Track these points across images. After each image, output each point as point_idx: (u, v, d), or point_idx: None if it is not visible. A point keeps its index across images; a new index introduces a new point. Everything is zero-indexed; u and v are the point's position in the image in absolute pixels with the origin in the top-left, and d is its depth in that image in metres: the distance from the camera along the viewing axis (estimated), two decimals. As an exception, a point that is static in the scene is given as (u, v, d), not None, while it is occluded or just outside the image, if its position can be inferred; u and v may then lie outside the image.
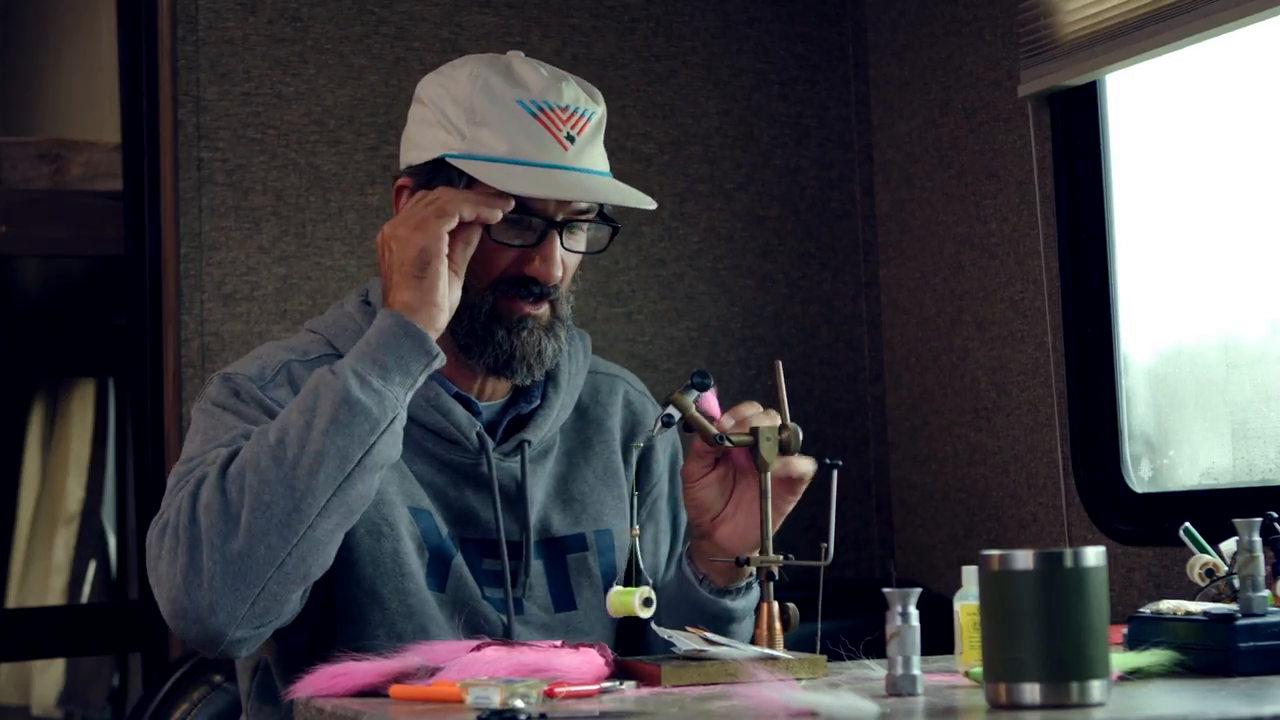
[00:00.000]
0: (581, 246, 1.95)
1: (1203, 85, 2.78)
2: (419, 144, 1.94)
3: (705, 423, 1.82)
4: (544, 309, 1.92)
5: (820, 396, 3.34)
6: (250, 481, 1.72)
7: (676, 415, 1.82)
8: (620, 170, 2.00)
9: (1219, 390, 2.75)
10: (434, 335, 1.81)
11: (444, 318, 1.82)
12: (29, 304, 5.35)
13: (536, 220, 1.89)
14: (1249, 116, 2.71)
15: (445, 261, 1.82)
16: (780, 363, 1.88)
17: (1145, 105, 2.87)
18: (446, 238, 1.82)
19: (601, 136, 1.95)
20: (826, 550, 1.87)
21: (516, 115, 1.87)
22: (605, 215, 1.95)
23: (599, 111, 1.94)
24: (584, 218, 1.92)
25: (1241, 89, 2.72)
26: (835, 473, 1.83)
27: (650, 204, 1.93)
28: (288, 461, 1.72)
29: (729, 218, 3.34)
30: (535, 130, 1.87)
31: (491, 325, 1.91)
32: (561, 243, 1.90)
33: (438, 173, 1.91)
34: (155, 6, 3.04)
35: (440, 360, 1.81)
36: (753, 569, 1.89)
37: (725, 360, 3.29)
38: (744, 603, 1.94)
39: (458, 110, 1.89)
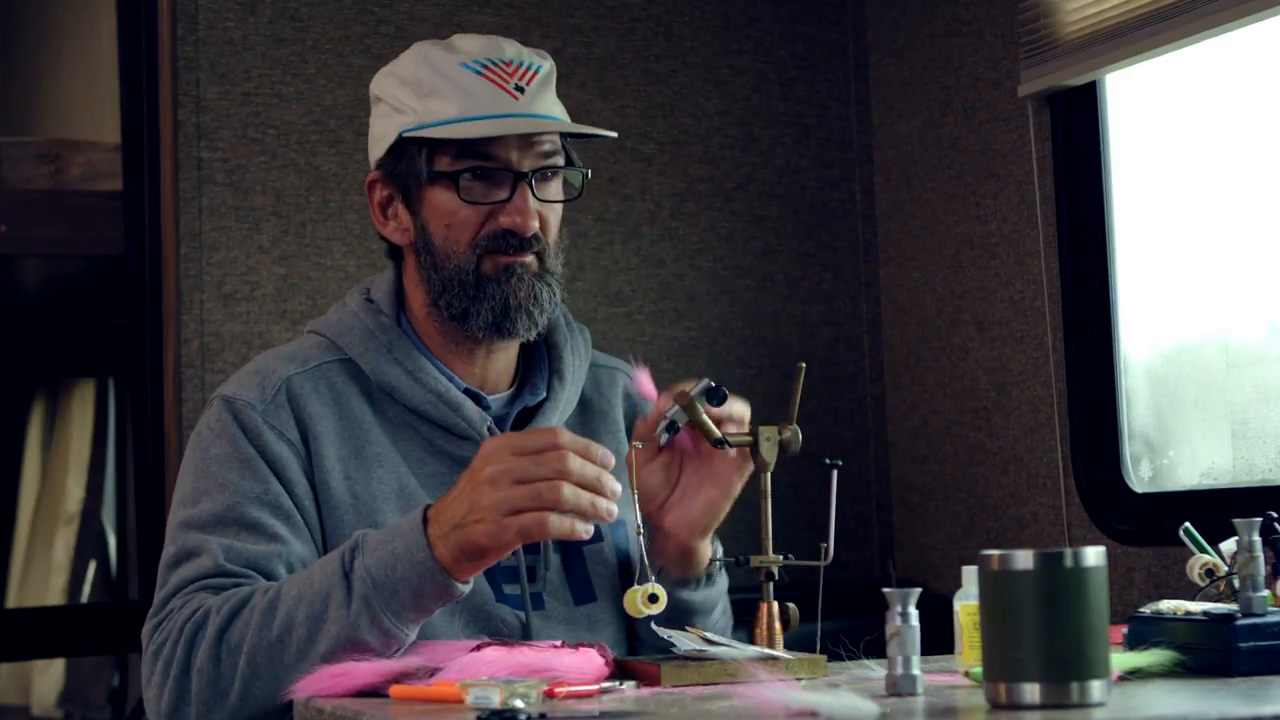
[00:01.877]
0: (554, 195, 1.94)
1: (1203, 85, 2.78)
2: (378, 136, 1.95)
3: (712, 426, 1.82)
4: (529, 257, 1.91)
5: (820, 396, 3.34)
6: (243, 669, 1.72)
7: (681, 420, 1.82)
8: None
9: (1219, 390, 2.75)
10: (460, 584, 1.71)
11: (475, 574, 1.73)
12: (29, 304, 5.35)
13: (503, 173, 1.89)
14: (1249, 116, 2.71)
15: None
16: (803, 365, 1.88)
17: (1145, 105, 2.87)
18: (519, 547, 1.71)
19: (553, 88, 1.95)
20: (826, 550, 1.87)
21: (462, 76, 1.88)
22: (573, 162, 1.95)
23: (546, 65, 1.94)
24: (550, 163, 1.92)
25: (1241, 89, 2.72)
26: (835, 473, 1.83)
27: (610, 134, 1.93)
28: (282, 665, 1.71)
29: (729, 218, 3.34)
30: (483, 86, 1.88)
31: (481, 283, 1.90)
32: (533, 193, 1.90)
33: (398, 157, 1.92)
34: (155, 6, 3.04)
35: (464, 591, 1.73)
36: (717, 559, 1.88)
37: (725, 360, 3.29)
38: (703, 595, 1.92)
39: (406, 90, 1.91)
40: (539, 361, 2.03)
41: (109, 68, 4.45)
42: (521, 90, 1.89)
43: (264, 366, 1.94)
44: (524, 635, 1.89)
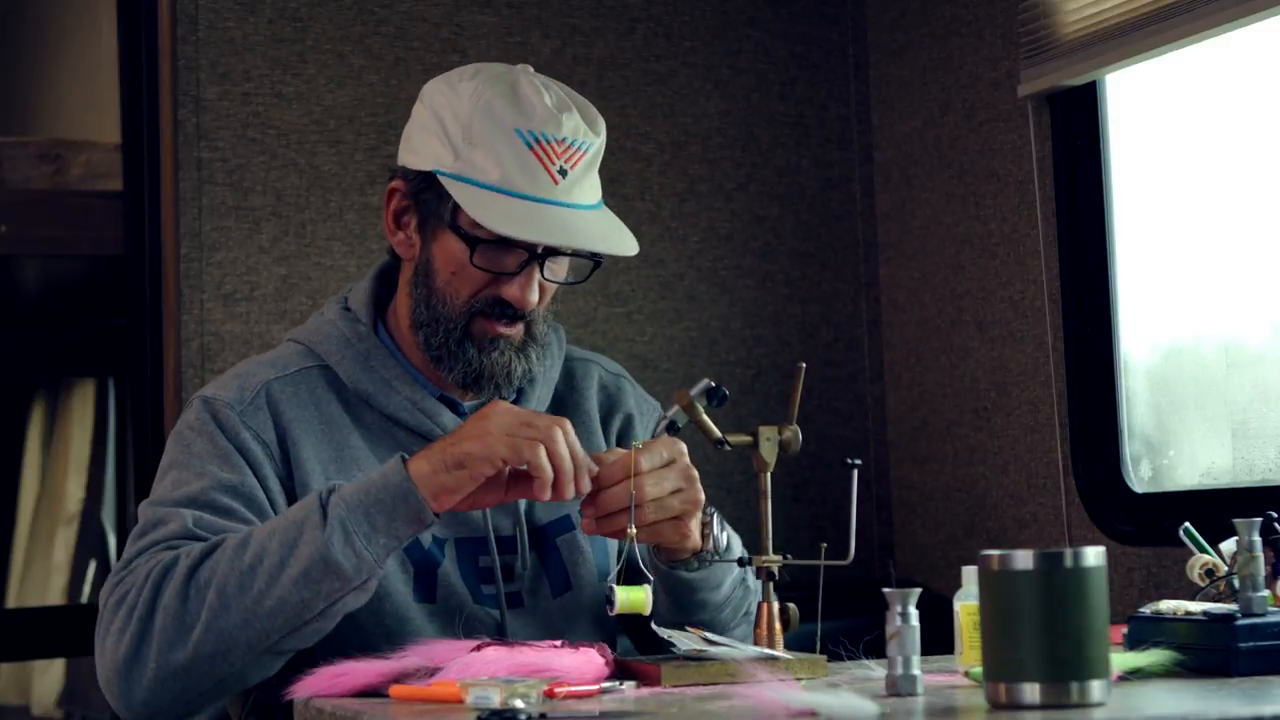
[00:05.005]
0: (561, 276, 1.96)
1: (1203, 85, 2.78)
2: (415, 149, 1.94)
3: (711, 426, 1.82)
4: (517, 329, 1.94)
5: (820, 396, 3.34)
6: (211, 601, 1.73)
7: (681, 421, 1.82)
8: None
9: (1219, 390, 2.75)
10: (433, 511, 1.75)
11: (449, 505, 1.76)
12: (29, 304, 5.35)
13: (518, 249, 1.89)
14: (1249, 117, 2.71)
15: (483, 479, 1.75)
16: (803, 365, 1.88)
17: (1145, 105, 2.87)
18: (498, 474, 1.76)
19: (596, 168, 1.95)
20: (836, 549, 1.87)
21: (512, 144, 1.86)
22: (593, 253, 1.96)
23: (597, 143, 1.93)
24: (566, 250, 1.92)
25: (1241, 89, 2.72)
26: (855, 472, 1.82)
27: (631, 250, 1.92)
28: (251, 594, 1.72)
29: (729, 218, 3.34)
30: (529, 162, 1.87)
31: (464, 342, 1.92)
32: (541, 272, 1.91)
33: (427, 186, 1.92)
34: (155, 6, 3.04)
35: (433, 525, 1.78)
36: (710, 544, 1.87)
37: (725, 360, 3.29)
38: (701, 575, 1.89)
39: (456, 127, 1.89)
40: None
41: (109, 68, 4.45)
42: (564, 174, 1.88)
43: (245, 371, 1.97)
44: (499, 634, 1.91)
